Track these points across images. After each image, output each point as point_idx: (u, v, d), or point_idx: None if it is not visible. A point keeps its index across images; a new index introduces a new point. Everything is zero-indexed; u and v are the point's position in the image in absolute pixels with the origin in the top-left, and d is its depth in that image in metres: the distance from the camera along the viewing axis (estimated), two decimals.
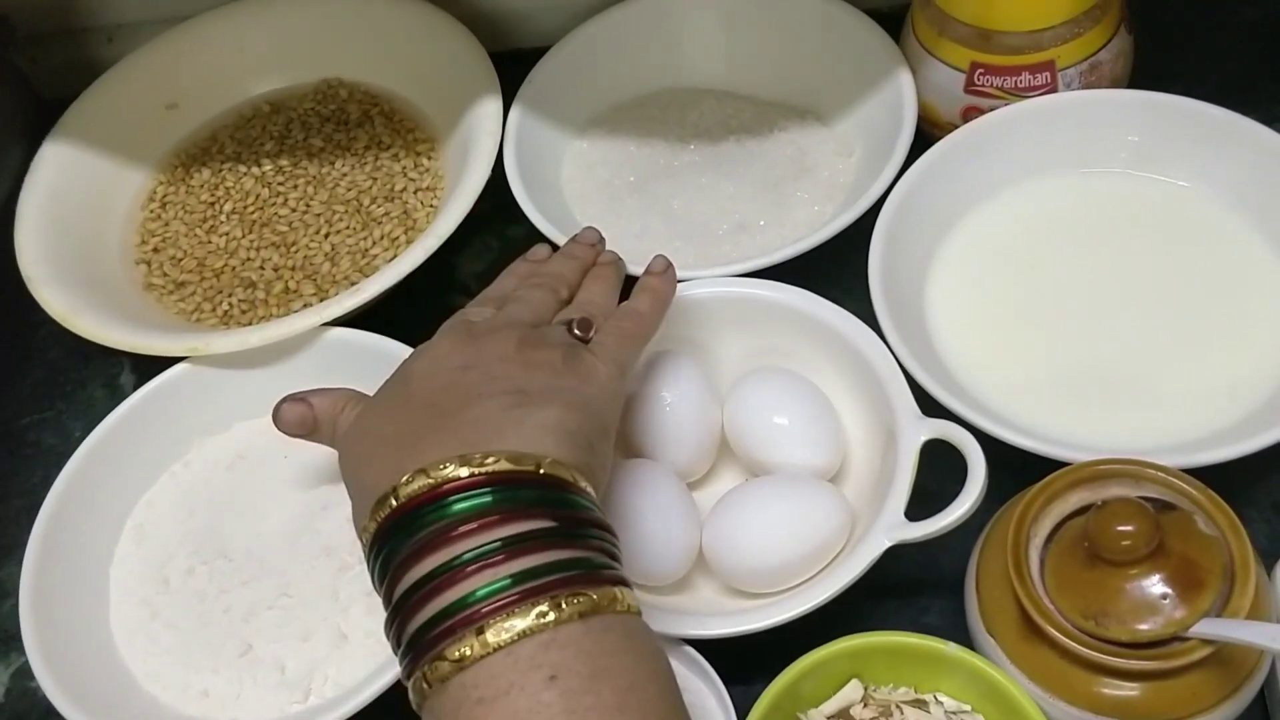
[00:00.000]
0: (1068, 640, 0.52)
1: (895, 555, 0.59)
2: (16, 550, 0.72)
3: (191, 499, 0.69)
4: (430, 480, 0.45)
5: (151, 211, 0.83)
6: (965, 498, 0.56)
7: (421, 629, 0.43)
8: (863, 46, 0.77)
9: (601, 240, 0.66)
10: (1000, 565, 0.55)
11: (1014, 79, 0.72)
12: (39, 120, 0.85)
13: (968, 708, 0.56)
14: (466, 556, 0.43)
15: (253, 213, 0.81)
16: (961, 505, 0.56)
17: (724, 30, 0.83)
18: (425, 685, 0.43)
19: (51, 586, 0.64)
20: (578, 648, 0.42)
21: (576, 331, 0.56)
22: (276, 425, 0.58)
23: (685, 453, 0.65)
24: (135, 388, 0.72)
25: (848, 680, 0.57)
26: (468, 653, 0.42)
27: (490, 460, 0.45)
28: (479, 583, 0.43)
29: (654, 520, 0.61)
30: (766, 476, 0.63)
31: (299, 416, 0.57)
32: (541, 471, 0.46)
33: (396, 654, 0.45)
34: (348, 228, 0.79)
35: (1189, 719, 0.52)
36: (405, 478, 0.45)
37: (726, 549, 0.61)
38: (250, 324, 0.75)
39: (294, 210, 0.80)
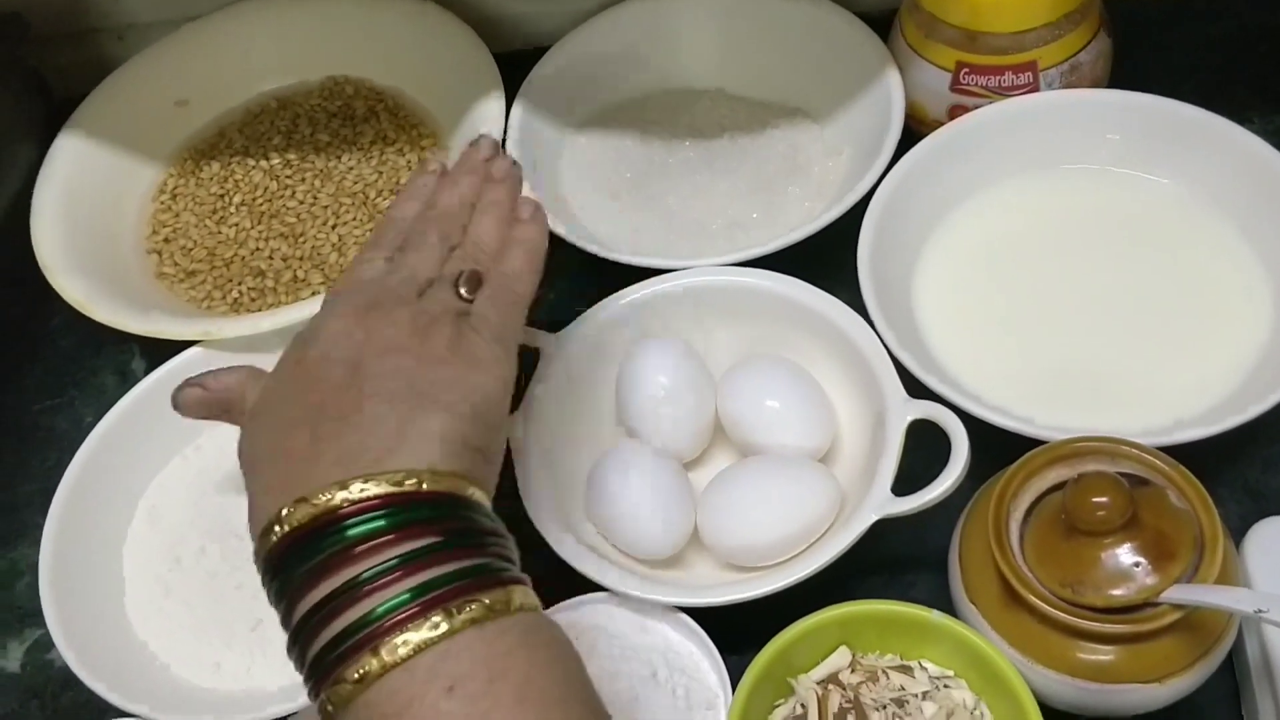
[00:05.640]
0: (1046, 607, 0.54)
1: (883, 533, 0.62)
2: (31, 531, 0.74)
3: (203, 481, 0.71)
4: (313, 508, 0.45)
5: (162, 203, 0.85)
6: (949, 472, 0.59)
7: (322, 651, 0.44)
8: (853, 48, 0.80)
9: (496, 151, 0.62)
10: (982, 539, 0.57)
11: (998, 79, 0.74)
12: (52, 117, 0.87)
13: (951, 673, 0.58)
14: (366, 575, 0.44)
15: (261, 204, 0.83)
16: (946, 480, 0.59)
17: (719, 32, 0.85)
18: (330, 708, 0.43)
19: (68, 564, 0.67)
20: (473, 655, 0.43)
21: (463, 291, 0.55)
22: (177, 410, 0.57)
23: (681, 435, 0.67)
24: (146, 374, 0.74)
25: (836, 647, 0.59)
26: (366, 671, 0.42)
27: (371, 484, 0.45)
28: (380, 599, 0.43)
29: (651, 499, 0.63)
30: (759, 456, 0.66)
31: (197, 399, 0.56)
32: (425, 488, 0.46)
33: (301, 675, 0.45)
34: (354, 219, 0.81)
35: (1161, 681, 0.54)
36: (286, 510, 0.45)
37: (721, 525, 0.63)
38: (260, 311, 0.77)
39: (302, 202, 0.83)
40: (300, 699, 0.59)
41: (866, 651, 0.60)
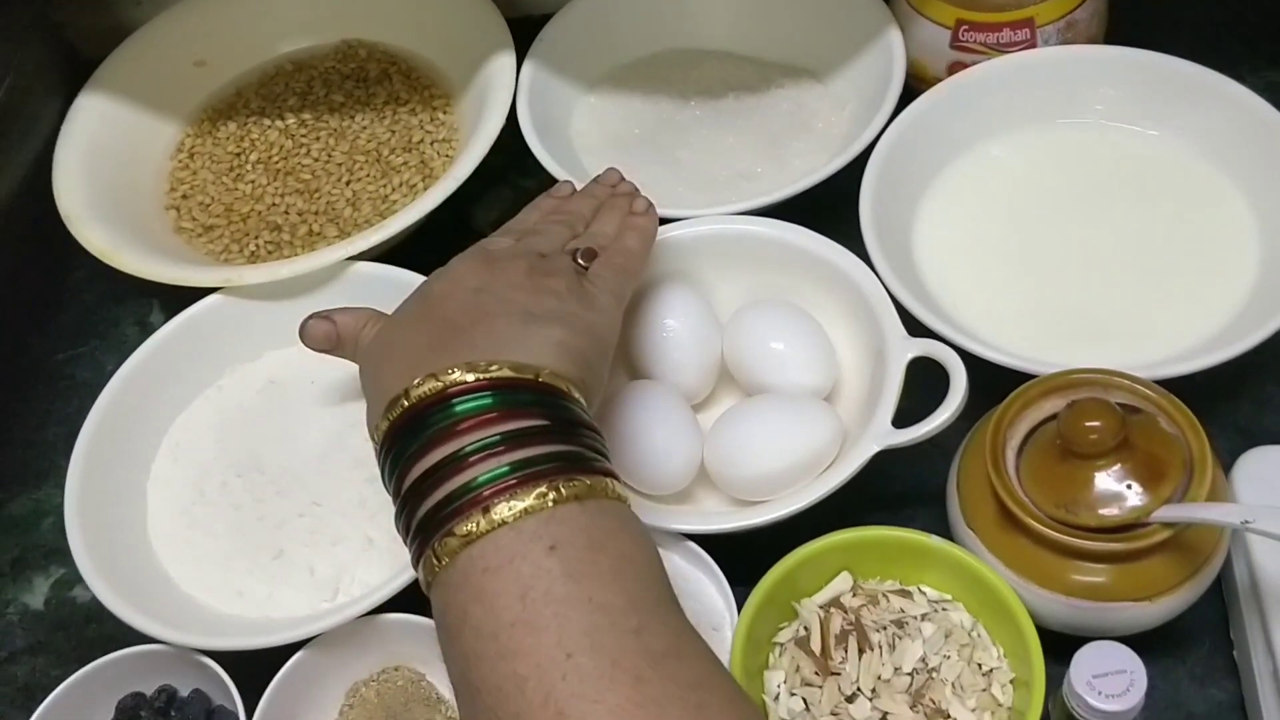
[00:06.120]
0: (1041, 528, 0.56)
1: (884, 471, 0.64)
2: (55, 474, 0.76)
3: (225, 420, 0.73)
4: (439, 383, 0.49)
5: (180, 161, 0.87)
6: (949, 403, 0.61)
7: (430, 512, 0.47)
8: (856, 8, 0.82)
9: (622, 180, 0.70)
10: (980, 467, 0.59)
11: (996, 35, 0.77)
12: (75, 78, 0.89)
13: (949, 597, 0.61)
14: (470, 448, 0.47)
15: (277, 162, 0.85)
16: (946, 410, 0.61)
17: None
18: (435, 561, 0.46)
19: (93, 499, 0.68)
20: (575, 524, 0.46)
21: (580, 261, 0.60)
22: (303, 341, 0.63)
23: (688, 375, 0.69)
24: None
25: (839, 573, 0.61)
26: (474, 529, 0.46)
27: (494, 368, 0.49)
28: (481, 471, 0.47)
29: (659, 433, 0.65)
30: (764, 394, 0.68)
31: (324, 332, 0.62)
32: (540, 380, 0.50)
33: (405, 541, 0.49)
34: (368, 175, 0.83)
35: (1152, 599, 0.56)
36: (416, 380, 0.49)
37: (727, 458, 0.65)
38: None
39: (317, 160, 0.85)
40: (320, 623, 0.61)
41: (868, 577, 0.62)
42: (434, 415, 0.49)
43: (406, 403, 0.49)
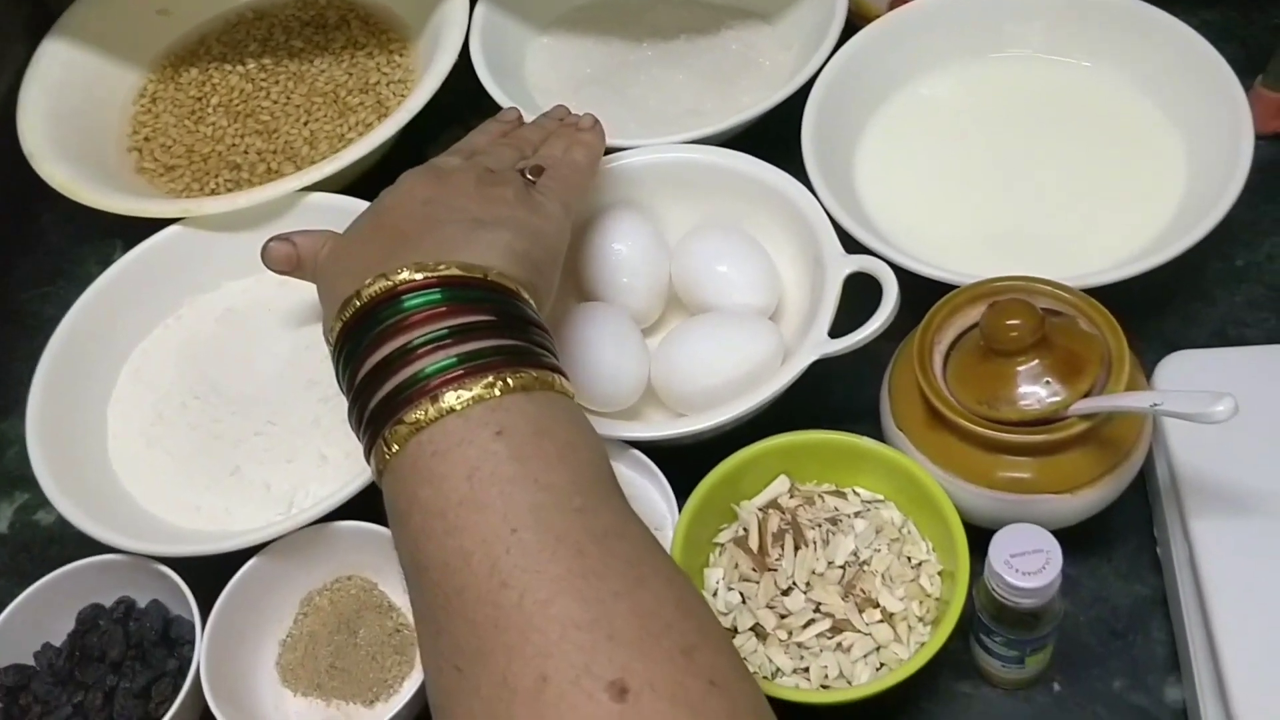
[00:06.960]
0: (965, 423, 0.58)
1: (824, 388, 0.66)
2: (19, 406, 0.77)
3: (185, 346, 0.75)
4: (389, 282, 0.51)
5: (143, 106, 0.89)
6: (881, 311, 0.63)
7: (381, 402, 0.49)
8: None
9: (569, 114, 0.72)
10: (909, 373, 0.61)
11: None
12: (39, 26, 0.90)
13: (881, 497, 0.63)
14: (418, 341, 0.49)
15: (238, 105, 0.87)
16: (879, 317, 0.63)
17: None
18: (385, 449, 0.48)
19: (55, 421, 0.70)
20: (521, 412, 0.48)
21: (529, 176, 0.62)
22: (264, 262, 0.64)
23: (637, 298, 0.71)
24: None
25: (777, 476, 0.63)
26: (422, 416, 0.47)
27: (442, 267, 0.51)
28: (430, 362, 0.48)
29: (609, 352, 0.67)
30: (708, 313, 0.70)
31: (284, 254, 0.63)
32: (488, 278, 0.52)
33: (358, 435, 0.51)
34: (325, 115, 0.85)
35: (1072, 492, 0.59)
36: (368, 280, 0.51)
37: (673, 373, 0.67)
38: None
39: (275, 102, 0.87)
40: (273, 529, 0.63)
41: (805, 480, 0.64)
42: (384, 311, 0.50)
43: (358, 303, 0.51)
